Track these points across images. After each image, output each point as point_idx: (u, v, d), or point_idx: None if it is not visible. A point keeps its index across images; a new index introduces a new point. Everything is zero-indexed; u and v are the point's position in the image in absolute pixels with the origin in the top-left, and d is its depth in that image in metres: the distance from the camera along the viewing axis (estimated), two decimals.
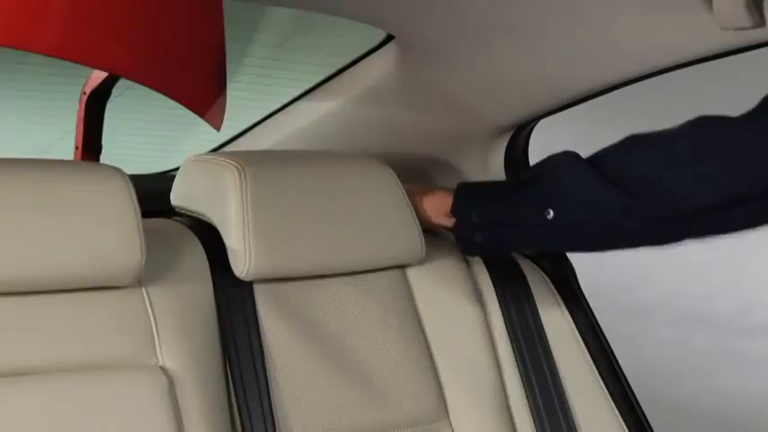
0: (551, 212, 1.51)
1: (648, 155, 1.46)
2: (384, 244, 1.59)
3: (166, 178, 1.68)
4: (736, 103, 1.46)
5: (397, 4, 1.57)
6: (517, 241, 1.63)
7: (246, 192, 1.49)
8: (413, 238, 1.60)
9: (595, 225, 1.50)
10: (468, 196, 1.62)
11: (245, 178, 1.49)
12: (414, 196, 1.65)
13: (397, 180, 1.62)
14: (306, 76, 2.01)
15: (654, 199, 1.44)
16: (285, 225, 1.51)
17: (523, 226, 1.56)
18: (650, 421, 1.71)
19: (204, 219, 1.56)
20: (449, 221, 1.65)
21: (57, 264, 1.33)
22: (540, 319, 1.69)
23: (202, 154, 1.65)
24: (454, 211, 1.62)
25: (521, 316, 1.68)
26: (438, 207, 1.65)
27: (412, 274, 1.64)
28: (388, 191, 1.61)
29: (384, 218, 1.59)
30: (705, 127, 1.43)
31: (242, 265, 1.48)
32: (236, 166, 1.51)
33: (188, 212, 1.61)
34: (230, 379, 1.46)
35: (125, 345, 1.37)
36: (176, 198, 1.64)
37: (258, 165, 1.53)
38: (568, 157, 1.52)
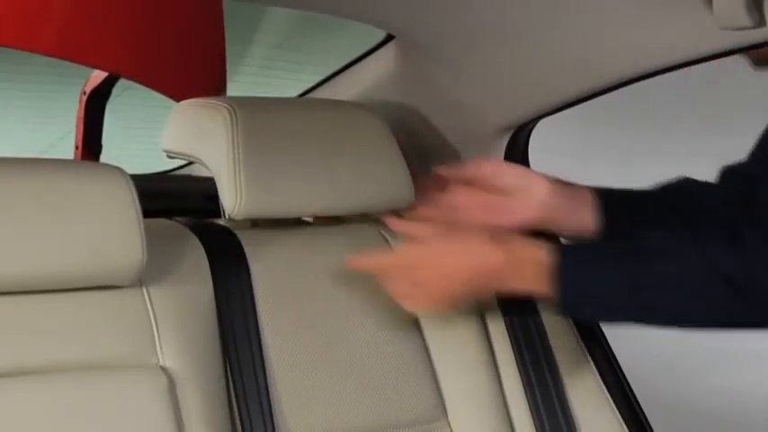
0: None
1: None
2: (373, 186, 1.60)
3: (166, 178, 1.68)
4: (735, 104, 1.46)
5: (397, 4, 1.57)
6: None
7: (237, 131, 1.50)
8: (401, 182, 1.62)
9: None
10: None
11: (236, 119, 1.51)
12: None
13: (387, 127, 1.64)
14: (306, 76, 2.01)
15: None
16: (276, 164, 1.52)
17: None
18: (650, 421, 1.71)
19: (195, 160, 1.56)
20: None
21: (57, 263, 1.33)
22: (539, 318, 1.69)
23: (193, 99, 1.65)
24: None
25: (520, 314, 1.68)
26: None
27: None
28: (377, 136, 1.63)
29: (373, 161, 1.60)
30: None
31: (233, 203, 1.49)
32: (226, 108, 1.52)
33: (179, 156, 1.60)
34: (230, 378, 1.46)
35: (125, 344, 1.37)
36: (168, 142, 1.65)
37: (249, 107, 1.55)
38: None
